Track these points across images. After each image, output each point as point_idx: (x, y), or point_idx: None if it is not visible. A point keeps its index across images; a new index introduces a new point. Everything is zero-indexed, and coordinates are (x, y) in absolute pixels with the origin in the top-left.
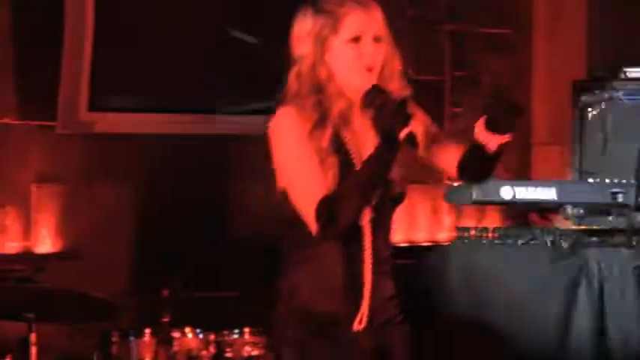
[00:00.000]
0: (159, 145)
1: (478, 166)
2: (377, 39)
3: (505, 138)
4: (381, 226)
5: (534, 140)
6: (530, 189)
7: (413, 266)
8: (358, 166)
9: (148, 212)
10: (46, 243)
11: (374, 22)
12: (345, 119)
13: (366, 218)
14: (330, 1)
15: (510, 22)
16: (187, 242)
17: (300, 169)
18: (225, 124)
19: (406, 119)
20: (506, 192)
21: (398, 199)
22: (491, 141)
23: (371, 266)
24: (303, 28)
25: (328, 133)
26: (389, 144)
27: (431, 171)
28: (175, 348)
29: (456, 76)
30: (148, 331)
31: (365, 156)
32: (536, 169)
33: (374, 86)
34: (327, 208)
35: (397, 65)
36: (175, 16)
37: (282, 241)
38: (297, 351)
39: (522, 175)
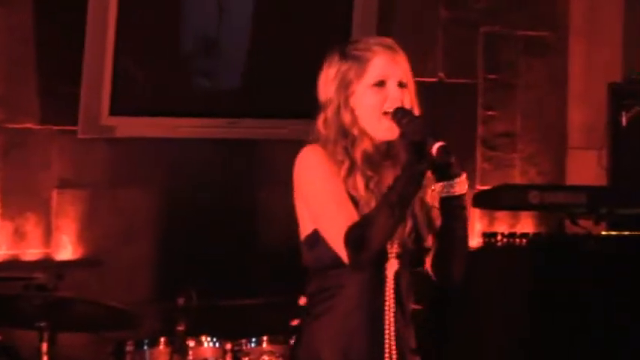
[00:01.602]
0: (181, 150)
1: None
2: (401, 84)
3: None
4: (406, 277)
5: (570, 144)
6: (559, 194)
7: None
8: None
9: (170, 218)
10: (66, 250)
11: (399, 67)
12: (369, 161)
13: (392, 269)
14: (357, 46)
15: (546, 24)
16: (209, 249)
17: (328, 200)
18: (250, 128)
19: (437, 133)
20: (534, 197)
21: (424, 252)
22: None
23: (393, 317)
24: (329, 73)
25: (359, 177)
26: (418, 157)
27: None
28: (190, 357)
29: (490, 78)
30: (162, 340)
31: None
32: (571, 173)
33: (400, 107)
34: (357, 231)
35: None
36: (199, 19)
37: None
38: None
39: (557, 180)
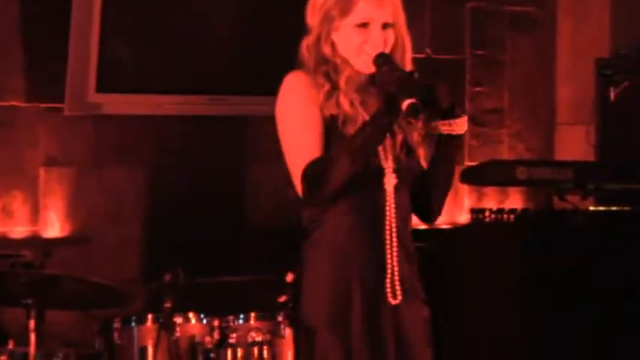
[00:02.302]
0: (169, 127)
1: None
2: (386, 25)
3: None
4: (405, 195)
5: (558, 120)
6: (547, 169)
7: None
8: None
9: (157, 196)
10: (54, 227)
11: (385, 8)
12: (353, 85)
13: (390, 184)
14: None
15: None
16: (196, 226)
17: (297, 129)
18: (238, 105)
19: (413, 89)
20: (522, 172)
21: (419, 175)
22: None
23: (396, 234)
24: (317, 1)
25: (342, 97)
26: (388, 108)
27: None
28: (178, 334)
29: (477, 54)
30: (150, 317)
31: None
32: (560, 149)
33: (382, 53)
34: (314, 169)
35: (408, 53)
36: None
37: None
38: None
39: (546, 155)
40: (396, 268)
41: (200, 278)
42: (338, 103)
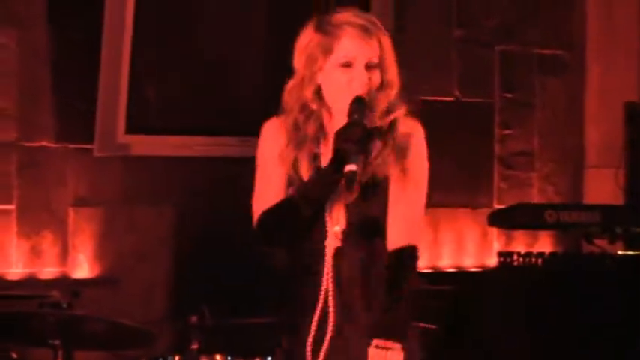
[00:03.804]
0: (198, 167)
1: None
2: (369, 66)
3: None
4: (357, 254)
5: (587, 163)
6: (575, 213)
7: (458, 292)
8: None
9: (184, 236)
10: (83, 268)
11: (369, 48)
12: (319, 138)
13: (331, 247)
14: (332, 21)
15: (562, 42)
16: (223, 267)
17: (261, 178)
18: None
19: (363, 151)
20: (550, 216)
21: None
22: None
23: (333, 307)
24: (302, 42)
25: (304, 156)
26: (337, 164)
27: (480, 195)
28: None
29: (507, 97)
30: (177, 358)
31: None
32: (588, 192)
33: (358, 98)
34: (266, 219)
35: (392, 93)
36: (217, 40)
37: None
38: None
39: (575, 198)
40: (313, 328)
41: (227, 319)
42: (298, 165)
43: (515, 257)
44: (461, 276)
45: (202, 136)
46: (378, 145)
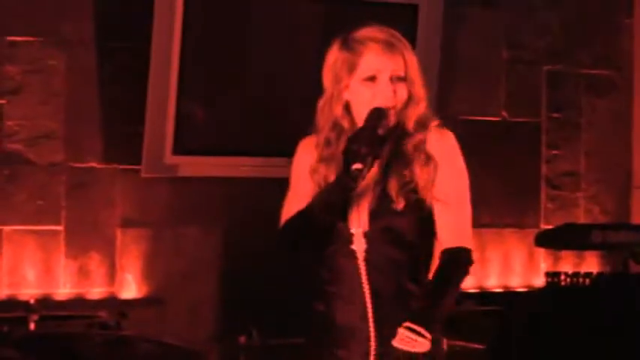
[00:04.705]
0: (245, 189)
1: None
2: (395, 79)
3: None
4: (384, 254)
5: (634, 183)
6: (622, 233)
7: (505, 312)
8: None
9: (231, 257)
10: (130, 288)
11: (393, 61)
12: None
13: (361, 248)
14: (356, 37)
15: (610, 62)
16: (271, 287)
17: (291, 191)
18: None
19: (366, 150)
20: (597, 236)
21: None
22: None
23: (371, 301)
24: (329, 60)
25: (333, 170)
26: (344, 168)
27: (527, 216)
28: None
29: (554, 117)
30: None
31: None
32: (636, 212)
33: (376, 108)
34: (289, 225)
35: (421, 107)
36: (265, 60)
37: None
38: None
39: (622, 218)
40: (372, 334)
41: (274, 339)
42: (328, 177)
43: (562, 277)
44: (508, 296)
45: (249, 157)
46: (405, 160)
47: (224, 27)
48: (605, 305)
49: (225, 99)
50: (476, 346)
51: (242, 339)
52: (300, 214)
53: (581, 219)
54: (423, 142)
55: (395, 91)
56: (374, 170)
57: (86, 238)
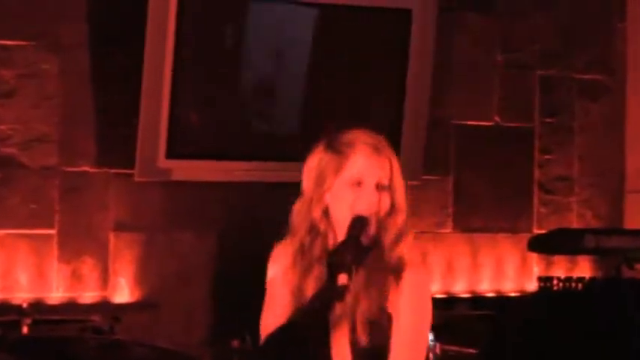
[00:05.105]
0: (237, 193)
1: None
2: (380, 187)
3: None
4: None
5: (627, 188)
6: (615, 238)
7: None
8: None
9: (225, 261)
10: (123, 293)
11: (380, 167)
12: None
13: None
14: (343, 140)
15: (603, 67)
16: (264, 292)
17: (268, 301)
18: None
19: (350, 262)
20: (590, 241)
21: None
22: None
23: None
24: (312, 161)
25: (310, 281)
26: (328, 280)
27: (520, 220)
28: None
29: (547, 122)
30: None
31: None
32: (629, 217)
33: (359, 217)
34: (268, 338)
35: (400, 220)
36: (257, 64)
37: None
38: None
39: (615, 223)
40: None
41: None
42: (305, 288)
43: (555, 282)
44: (501, 301)
45: (243, 161)
46: (380, 278)
47: (218, 31)
48: (597, 310)
49: (219, 103)
50: (469, 350)
51: (235, 343)
52: (281, 331)
53: (574, 224)
54: (402, 264)
55: (379, 200)
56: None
57: (79, 242)
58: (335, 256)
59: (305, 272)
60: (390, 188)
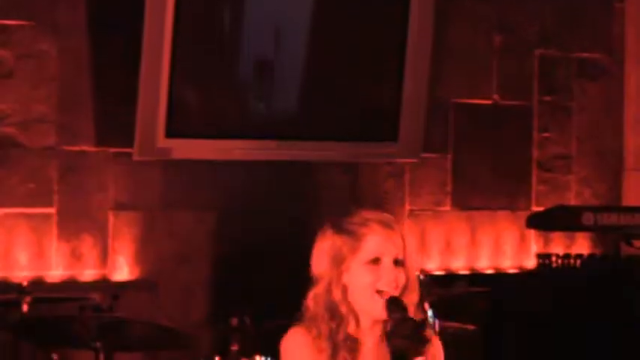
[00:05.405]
0: (236, 172)
1: None
2: (397, 262)
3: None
4: None
5: (626, 166)
6: (613, 215)
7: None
8: None
9: (224, 240)
10: (123, 271)
11: (395, 244)
12: (351, 346)
13: None
14: (352, 220)
15: (602, 46)
16: (263, 270)
17: None
18: (304, 150)
19: (423, 343)
20: (588, 218)
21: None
22: None
23: None
24: (323, 246)
25: None
26: None
27: (518, 198)
28: None
29: (545, 101)
30: (217, 359)
31: None
32: (627, 195)
33: (393, 298)
34: None
35: (415, 297)
36: (255, 43)
37: None
38: None
39: (613, 201)
40: None
41: (266, 322)
42: None
43: (553, 259)
44: (499, 278)
45: (242, 140)
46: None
47: (216, 11)
48: (595, 286)
49: (217, 82)
50: (468, 327)
51: (234, 321)
52: None
53: (573, 202)
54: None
55: (397, 276)
56: None
57: (78, 221)
58: (400, 342)
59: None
60: (403, 263)
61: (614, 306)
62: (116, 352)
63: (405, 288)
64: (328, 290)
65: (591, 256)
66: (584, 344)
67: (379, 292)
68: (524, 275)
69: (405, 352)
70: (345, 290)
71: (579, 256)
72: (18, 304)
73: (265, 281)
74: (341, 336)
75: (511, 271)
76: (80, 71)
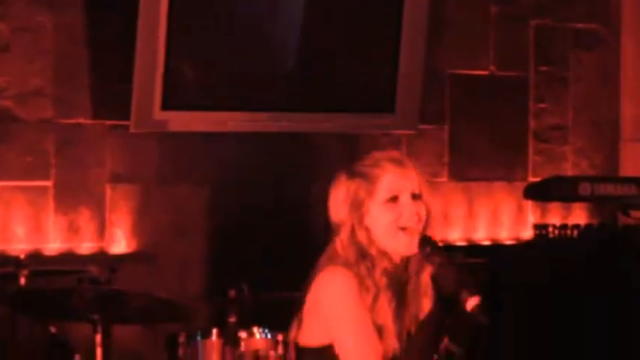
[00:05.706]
0: (234, 143)
1: None
2: (415, 196)
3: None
4: None
5: (622, 137)
6: (610, 185)
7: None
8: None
9: (221, 212)
10: (120, 244)
11: (410, 179)
12: (391, 282)
13: None
14: (365, 163)
15: (598, 17)
16: (260, 241)
17: (358, 333)
18: (298, 122)
19: (469, 282)
20: (585, 188)
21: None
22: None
23: None
24: (339, 194)
25: (384, 305)
26: (446, 306)
27: (515, 169)
28: (242, 349)
29: (541, 71)
30: (215, 331)
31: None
32: (624, 166)
33: (427, 237)
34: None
35: (435, 227)
36: (253, 16)
37: None
38: None
39: (610, 172)
40: None
41: (264, 293)
42: (381, 313)
43: (550, 230)
44: (496, 249)
45: (238, 112)
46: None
47: None
48: (593, 257)
49: (212, 55)
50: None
51: (232, 293)
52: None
53: (569, 172)
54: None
55: (418, 211)
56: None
57: (75, 194)
58: (455, 287)
59: (375, 302)
60: (421, 197)
61: (611, 276)
62: (114, 325)
63: (427, 221)
64: (353, 234)
65: (588, 226)
66: (581, 314)
67: (403, 228)
68: (522, 246)
69: (453, 296)
70: (369, 232)
71: (576, 226)
72: (15, 277)
73: (263, 252)
74: (378, 274)
75: (508, 242)
76: (76, 44)
